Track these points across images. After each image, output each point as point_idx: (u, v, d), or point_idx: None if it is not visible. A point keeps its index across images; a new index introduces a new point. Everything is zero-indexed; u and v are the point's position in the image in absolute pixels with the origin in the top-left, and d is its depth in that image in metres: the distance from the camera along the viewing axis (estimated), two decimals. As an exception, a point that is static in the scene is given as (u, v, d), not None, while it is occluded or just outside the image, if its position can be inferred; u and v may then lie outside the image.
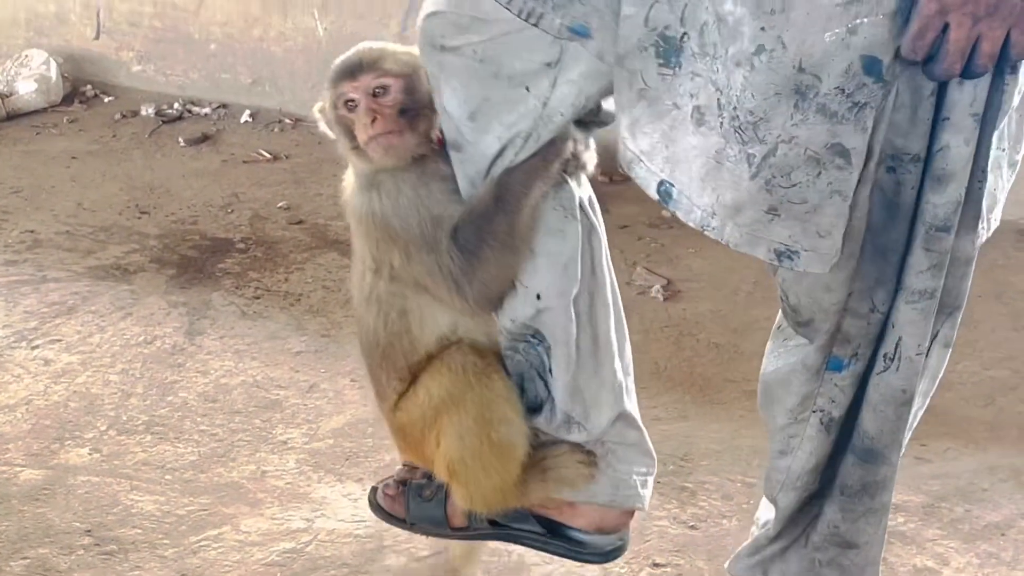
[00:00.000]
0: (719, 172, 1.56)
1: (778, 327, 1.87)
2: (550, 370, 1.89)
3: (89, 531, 2.45)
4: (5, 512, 2.50)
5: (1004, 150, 1.64)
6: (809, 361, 1.76)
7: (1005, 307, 3.47)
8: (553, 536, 2.04)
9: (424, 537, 2.28)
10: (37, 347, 3.17)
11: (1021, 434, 2.87)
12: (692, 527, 2.51)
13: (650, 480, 2.03)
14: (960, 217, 1.58)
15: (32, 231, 3.92)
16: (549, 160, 1.78)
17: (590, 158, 1.87)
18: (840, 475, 1.82)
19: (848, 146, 1.50)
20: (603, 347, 1.91)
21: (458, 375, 1.88)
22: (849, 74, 1.45)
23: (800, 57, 1.45)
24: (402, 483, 2.09)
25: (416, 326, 1.91)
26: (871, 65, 1.45)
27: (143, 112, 5.01)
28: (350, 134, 1.87)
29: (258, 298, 3.48)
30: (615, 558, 2.08)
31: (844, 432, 1.79)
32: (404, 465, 2.12)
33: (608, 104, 1.80)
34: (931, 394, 1.86)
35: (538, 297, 1.84)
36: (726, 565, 2.07)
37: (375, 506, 2.12)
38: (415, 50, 1.82)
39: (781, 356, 1.83)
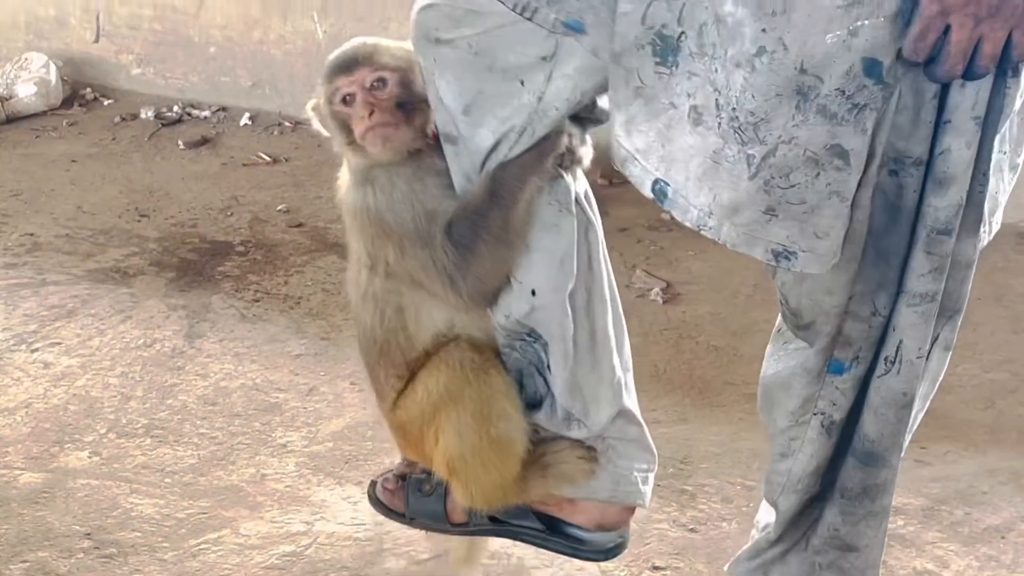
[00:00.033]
0: (717, 172, 1.56)
1: (778, 330, 1.87)
2: (548, 367, 1.88)
3: (89, 534, 2.45)
4: (5, 515, 2.50)
5: (1005, 153, 1.64)
6: (810, 364, 1.76)
7: (1005, 310, 3.47)
8: (553, 533, 2.03)
9: (424, 540, 2.28)
10: (37, 350, 3.17)
11: (1021, 437, 2.87)
12: (692, 530, 2.51)
13: (651, 476, 2.02)
14: (961, 220, 1.57)
15: (32, 234, 3.92)
16: (544, 155, 1.77)
17: (586, 152, 1.86)
18: (841, 478, 1.82)
19: (847, 147, 1.50)
20: (601, 343, 1.90)
21: (456, 371, 1.87)
22: (850, 76, 1.45)
23: (801, 59, 1.45)
24: (401, 477, 2.08)
25: (412, 323, 1.91)
26: (872, 67, 1.45)
27: (143, 115, 5.02)
28: (346, 129, 1.87)
29: (258, 301, 3.48)
30: (615, 556, 2.07)
31: (845, 435, 1.79)
32: (403, 459, 2.11)
33: (603, 101, 1.80)
34: (931, 397, 1.85)
35: (533, 293, 1.83)
36: (726, 568, 2.07)
37: (374, 500, 2.11)
38: (408, 45, 1.82)
39: (781, 359, 1.82)
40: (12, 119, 4.94)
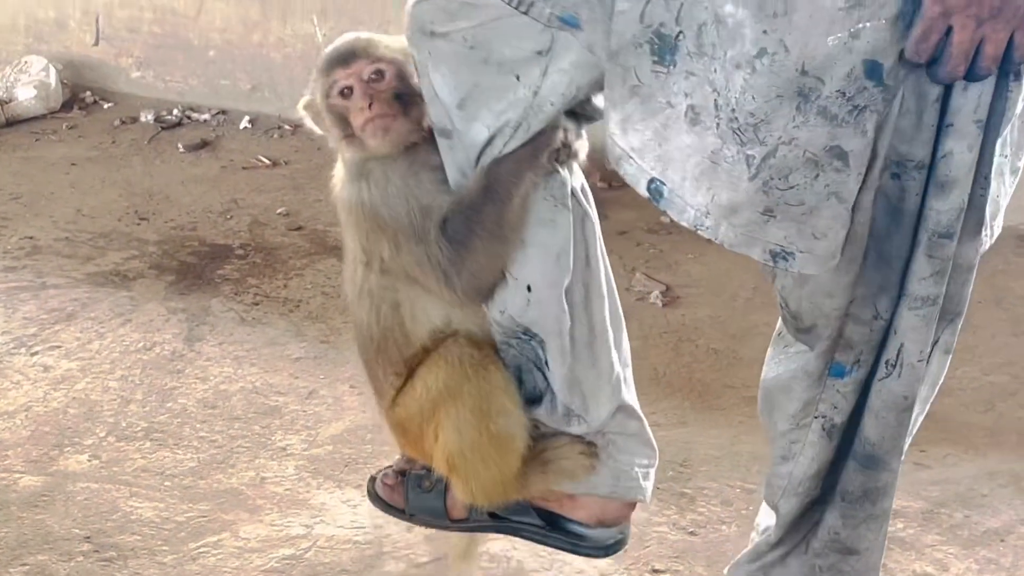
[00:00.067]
0: (715, 172, 1.55)
1: (778, 334, 1.86)
2: (546, 363, 1.88)
3: (88, 537, 2.45)
4: (4, 519, 2.50)
5: (1007, 156, 1.64)
6: (810, 367, 1.75)
7: (1005, 313, 3.47)
8: (553, 529, 2.02)
9: (424, 543, 2.28)
10: (36, 353, 3.17)
11: (1020, 440, 2.87)
12: (691, 533, 2.51)
13: (651, 472, 2.01)
14: (963, 224, 1.57)
15: (31, 237, 3.92)
16: (539, 150, 1.76)
17: (582, 146, 1.85)
18: (841, 481, 1.82)
19: (847, 149, 1.50)
20: (599, 338, 1.89)
21: (455, 367, 1.86)
22: (851, 78, 1.45)
23: (803, 60, 1.45)
24: (401, 473, 2.07)
25: (409, 319, 1.90)
26: (873, 69, 1.45)
27: (142, 118, 5.02)
28: (343, 122, 1.85)
29: (257, 304, 3.48)
30: (615, 552, 2.05)
31: (845, 438, 1.79)
32: (403, 455, 2.10)
33: (598, 100, 1.79)
34: (931, 400, 1.85)
35: (529, 288, 1.82)
36: (725, 571, 2.07)
37: (374, 496, 2.09)
38: (402, 40, 1.82)
39: (782, 362, 1.82)
40: (12, 122, 4.94)
